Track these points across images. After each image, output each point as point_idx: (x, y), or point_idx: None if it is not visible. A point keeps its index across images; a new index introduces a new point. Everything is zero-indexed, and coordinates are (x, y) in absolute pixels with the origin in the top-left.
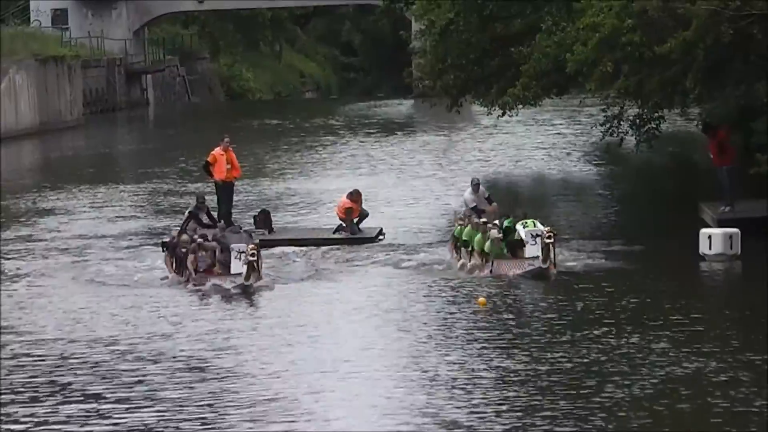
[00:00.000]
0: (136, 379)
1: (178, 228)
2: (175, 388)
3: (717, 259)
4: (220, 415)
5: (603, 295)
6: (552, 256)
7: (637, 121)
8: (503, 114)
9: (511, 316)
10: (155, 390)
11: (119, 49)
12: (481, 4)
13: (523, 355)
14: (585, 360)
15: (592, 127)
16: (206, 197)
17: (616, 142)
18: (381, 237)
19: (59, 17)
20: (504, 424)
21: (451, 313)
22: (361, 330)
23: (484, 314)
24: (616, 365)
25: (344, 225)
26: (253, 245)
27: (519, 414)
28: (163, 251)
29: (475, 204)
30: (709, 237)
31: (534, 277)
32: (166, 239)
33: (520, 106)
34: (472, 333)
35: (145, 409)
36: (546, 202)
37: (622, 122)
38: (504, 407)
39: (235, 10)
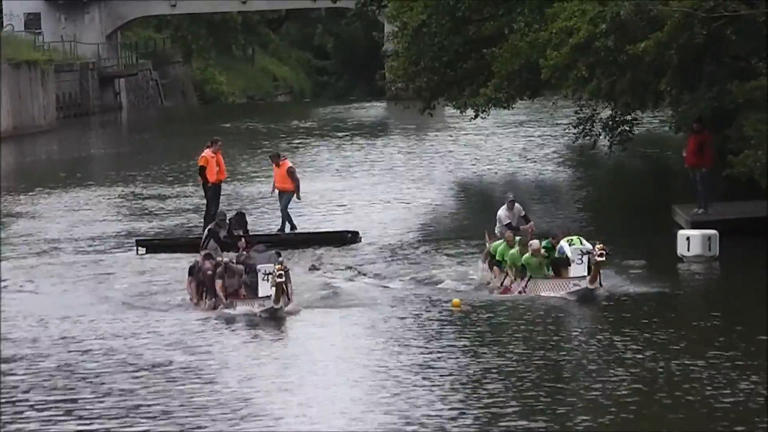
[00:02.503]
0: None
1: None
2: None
3: (695, 261)
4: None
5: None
6: (600, 276)
7: (610, 123)
8: (476, 116)
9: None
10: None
11: (92, 53)
12: (454, 6)
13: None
14: (566, 360)
15: (565, 129)
16: (224, 212)
17: (589, 145)
18: (359, 239)
19: (32, 21)
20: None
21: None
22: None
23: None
24: (594, 364)
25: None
26: (280, 266)
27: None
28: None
29: (509, 221)
30: (688, 238)
31: (579, 300)
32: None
33: (492, 107)
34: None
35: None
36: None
37: (595, 124)
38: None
39: (208, 14)
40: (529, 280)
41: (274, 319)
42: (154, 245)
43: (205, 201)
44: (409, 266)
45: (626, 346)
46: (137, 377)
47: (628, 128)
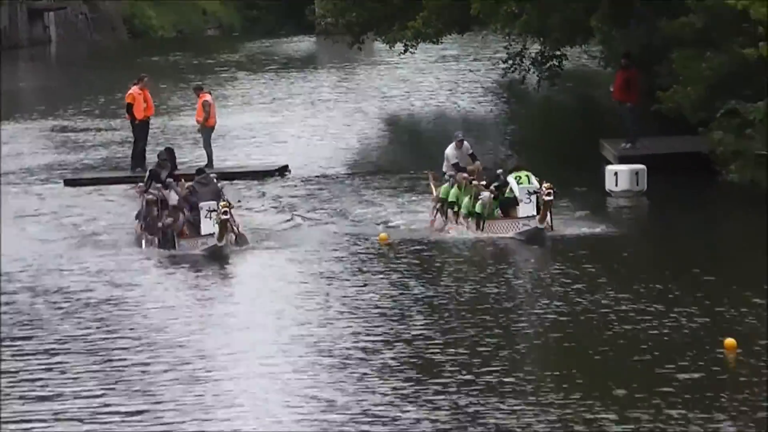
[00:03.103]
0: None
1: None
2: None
3: (623, 195)
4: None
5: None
6: (550, 216)
7: (539, 58)
8: (405, 51)
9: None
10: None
11: None
12: None
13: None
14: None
15: (494, 64)
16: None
17: (518, 80)
18: (288, 173)
19: None
20: None
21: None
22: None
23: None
24: (522, 298)
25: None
26: (224, 202)
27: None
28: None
29: (457, 161)
30: (615, 174)
31: (528, 241)
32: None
33: (421, 42)
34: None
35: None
36: (448, 140)
37: (524, 60)
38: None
39: None
40: (484, 223)
41: (218, 257)
42: (81, 181)
43: (132, 137)
44: (339, 202)
45: (555, 281)
46: (61, 307)
47: (556, 63)
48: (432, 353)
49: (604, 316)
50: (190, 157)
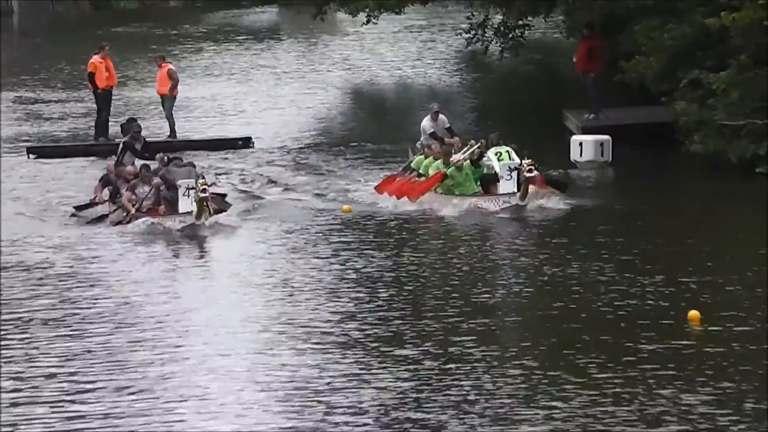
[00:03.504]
0: None
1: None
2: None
3: (588, 167)
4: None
5: None
6: (530, 192)
7: (502, 28)
8: (368, 21)
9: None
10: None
11: None
12: None
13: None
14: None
15: (457, 34)
16: (138, 122)
17: (481, 50)
18: (251, 145)
19: None
20: None
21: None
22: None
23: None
24: (486, 270)
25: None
26: (203, 180)
27: None
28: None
29: (433, 131)
30: (580, 144)
31: (510, 217)
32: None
33: (384, 12)
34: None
35: None
36: (411, 110)
37: (486, 30)
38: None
39: None
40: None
41: (195, 236)
42: (44, 152)
43: (95, 107)
44: (302, 174)
45: (521, 253)
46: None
47: (519, 34)
48: (396, 324)
49: (569, 288)
50: (153, 129)
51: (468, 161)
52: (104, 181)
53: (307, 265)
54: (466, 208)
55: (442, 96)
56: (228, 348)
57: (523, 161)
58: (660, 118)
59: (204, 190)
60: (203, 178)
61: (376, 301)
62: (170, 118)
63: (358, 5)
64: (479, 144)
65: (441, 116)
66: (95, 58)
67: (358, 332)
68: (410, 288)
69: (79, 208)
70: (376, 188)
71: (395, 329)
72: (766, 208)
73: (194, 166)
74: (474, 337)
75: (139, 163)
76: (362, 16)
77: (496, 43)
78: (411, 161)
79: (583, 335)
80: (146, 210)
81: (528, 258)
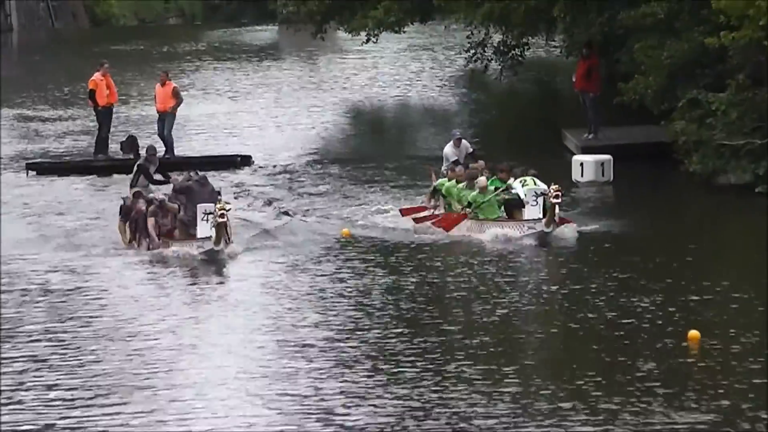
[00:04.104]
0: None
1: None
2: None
3: (589, 186)
4: None
5: None
6: (556, 218)
7: (501, 47)
8: (367, 40)
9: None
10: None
11: None
12: None
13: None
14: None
15: (456, 53)
16: (153, 146)
17: (480, 69)
18: (251, 163)
19: None
20: None
21: None
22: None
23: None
24: (479, 289)
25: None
26: (221, 204)
27: None
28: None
29: (456, 158)
30: (581, 164)
31: (535, 243)
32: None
33: (383, 30)
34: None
35: None
36: (411, 129)
37: (486, 48)
38: None
39: None
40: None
41: (213, 261)
42: (44, 168)
43: (96, 124)
44: (302, 193)
45: (521, 272)
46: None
47: (518, 53)
48: (394, 342)
49: (568, 306)
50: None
51: (492, 187)
52: (125, 213)
53: (308, 285)
54: (488, 234)
55: (441, 114)
56: (220, 364)
57: (551, 187)
58: (658, 137)
59: (222, 215)
60: (221, 201)
61: (375, 318)
62: (170, 136)
63: (358, 24)
64: (506, 175)
65: (463, 142)
66: (96, 76)
67: (354, 350)
68: (410, 307)
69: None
70: (401, 211)
71: (396, 347)
72: (765, 227)
73: (218, 193)
74: (470, 356)
75: (147, 191)
76: (362, 35)
77: (496, 61)
78: (435, 185)
79: (580, 353)
80: (165, 232)
81: (527, 277)
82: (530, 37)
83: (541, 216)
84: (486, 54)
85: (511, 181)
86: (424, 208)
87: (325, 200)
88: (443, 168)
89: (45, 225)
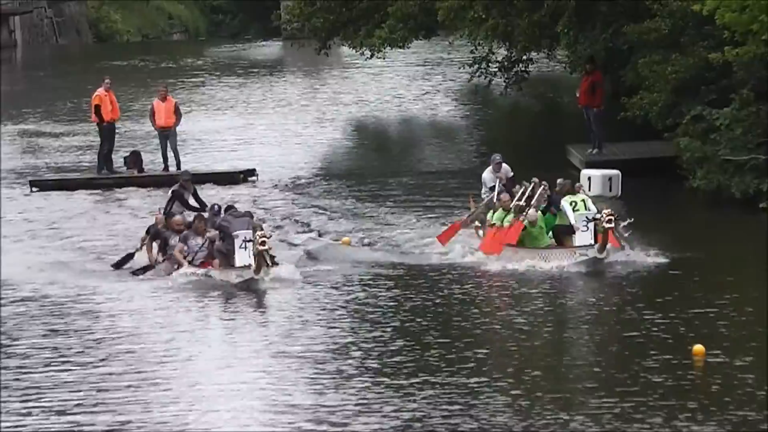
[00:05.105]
0: None
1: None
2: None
3: (598, 201)
4: None
5: None
6: (609, 245)
7: (506, 63)
8: (371, 56)
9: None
10: None
11: None
12: None
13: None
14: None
15: (460, 69)
16: (188, 171)
17: (484, 85)
18: (254, 177)
19: None
20: None
21: None
22: None
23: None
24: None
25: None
26: (261, 232)
27: None
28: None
29: (493, 184)
30: (589, 178)
31: (588, 271)
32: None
33: (388, 47)
34: None
35: None
36: (414, 145)
37: (490, 64)
38: None
39: None
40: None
41: (252, 289)
42: (46, 185)
43: (99, 140)
44: (304, 209)
45: (522, 284)
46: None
47: (522, 68)
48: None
49: (574, 319)
50: (160, 162)
51: (540, 212)
52: (153, 234)
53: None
54: (537, 261)
55: (445, 129)
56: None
57: (603, 211)
58: (663, 152)
59: (263, 242)
60: (261, 228)
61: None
62: (176, 151)
63: (362, 40)
64: (542, 185)
65: (504, 166)
66: (100, 91)
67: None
68: (417, 322)
69: (117, 265)
70: (438, 238)
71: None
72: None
73: (252, 216)
74: (476, 368)
75: (187, 213)
76: (366, 51)
77: (500, 77)
78: (475, 212)
79: (586, 366)
80: (199, 263)
81: (532, 288)
82: (534, 53)
83: (592, 242)
84: (490, 69)
85: (561, 201)
86: (457, 227)
87: (322, 214)
88: (482, 194)
89: (64, 241)
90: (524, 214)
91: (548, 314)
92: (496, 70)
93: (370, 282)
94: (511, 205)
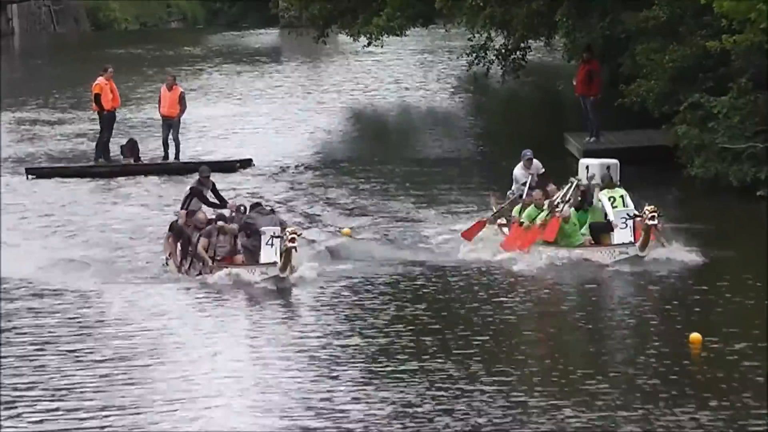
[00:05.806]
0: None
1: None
2: None
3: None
4: None
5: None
6: (650, 242)
7: (503, 51)
8: (369, 44)
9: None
10: None
11: None
12: None
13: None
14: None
15: (458, 57)
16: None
17: (482, 73)
18: (251, 166)
19: None
20: None
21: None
22: None
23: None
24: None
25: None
26: (292, 228)
27: None
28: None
29: (526, 180)
30: (587, 167)
31: (628, 269)
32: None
33: (386, 35)
34: None
35: None
36: (412, 133)
37: (488, 52)
38: None
39: None
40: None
41: (278, 288)
42: (43, 172)
43: (99, 128)
44: (300, 199)
45: (521, 274)
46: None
47: (520, 56)
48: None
49: (571, 308)
50: (159, 151)
51: (573, 209)
52: (176, 232)
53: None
54: (572, 260)
55: (443, 118)
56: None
57: (645, 208)
58: (660, 141)
59: (293, 239)
60: (291, 226)
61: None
62: (177, 140)
63: (360, 28)
64: (575, 184)
65: (535, 162)
66: (100, 80)
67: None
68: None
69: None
70: (463, 235)
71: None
72: (766, 230)
73: (275, 213)
74: (474, 357)
75: (206, 209)
76: (363, 39)
77: (498, 65)
78: (500, 209)
79: (582, 356)
80: (221, 258)
81: (529, 281)
82: (531, 41)
83: (632, 239)
84: (487, 58)
85: (599, 194)
86: (483, 223)
87: (316, 205)
88: (512, 190)
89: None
90: (559, 210)
91: (533, 299)
92: (494, 58)
93: (396, 280)
94: (545, 203)
